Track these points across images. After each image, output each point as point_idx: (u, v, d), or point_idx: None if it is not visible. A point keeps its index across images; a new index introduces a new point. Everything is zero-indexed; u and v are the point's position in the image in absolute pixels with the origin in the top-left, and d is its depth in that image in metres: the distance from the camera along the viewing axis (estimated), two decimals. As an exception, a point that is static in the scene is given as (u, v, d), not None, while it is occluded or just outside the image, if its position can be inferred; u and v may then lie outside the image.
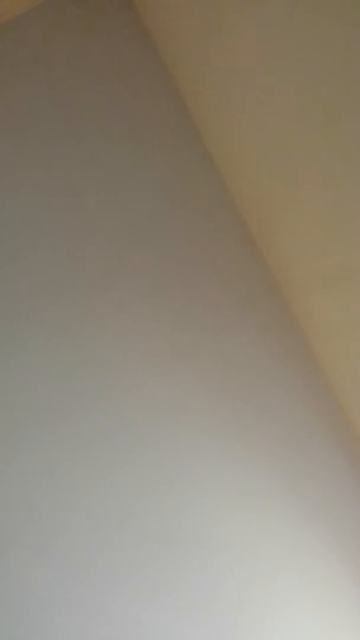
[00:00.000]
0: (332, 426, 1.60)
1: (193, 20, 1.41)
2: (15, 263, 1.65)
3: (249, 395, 1.60)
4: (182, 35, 1.49)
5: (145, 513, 1.58)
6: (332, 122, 1.08)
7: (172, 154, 1.66)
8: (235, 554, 1.58)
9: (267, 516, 1.58)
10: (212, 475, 1.59)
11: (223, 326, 1.61)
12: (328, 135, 1.11)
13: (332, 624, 1.57)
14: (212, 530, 1.58)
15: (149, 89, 1.68)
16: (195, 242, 1.64)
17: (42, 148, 1.67)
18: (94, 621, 1.58)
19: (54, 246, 1.65)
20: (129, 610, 1.58)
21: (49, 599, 1.58)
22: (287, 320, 1.60)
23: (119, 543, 1.58)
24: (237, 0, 1.20)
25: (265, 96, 1.22)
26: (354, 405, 1.52)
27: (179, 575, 1.58)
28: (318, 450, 1.59)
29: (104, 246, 1.65)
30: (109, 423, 1.60)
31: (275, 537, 1.58)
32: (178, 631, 1.57)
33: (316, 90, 1.08)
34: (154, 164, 1.66)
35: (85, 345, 1.61)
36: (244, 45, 1.23)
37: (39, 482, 1.59)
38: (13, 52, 1.70)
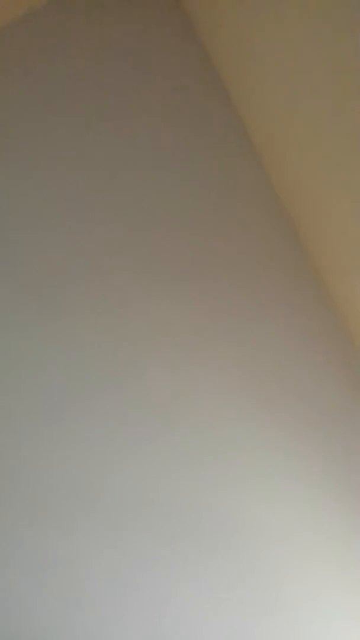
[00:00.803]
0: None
1: (234, 6, 1.40)
2: (66, 239, 1.67)
3: (287, 381, 1.60)
4: (223, 20, 1.48)
5: (175, 494, 1.61)
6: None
7: (213, 141, 1.66)
8: (268, 538, 1.59)
9: (304, 501, 1.59)
10: (246, 459, 1.60)
11: (262, 311, 1.61)
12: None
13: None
14: (245, 513, 1.60)
15: (191, 77, 1.68)
16: (235, 226, 1.64)
17: (90, 128, 1.68)
18: (123, 601, 1.61)
19: (100, 227, 1.66)
20: (158, 593, 1.61)
21: (79, 581, 1.62)
22: (327, 307, 1.60)
23: (148, 524, 1.61)
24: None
25: (314, 80, 1.21)
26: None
27: (209, 556, 1.60)
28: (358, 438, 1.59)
29: (147, 229, 1.65)
30: (142, 403, 1.63)
31: (312, 523, 1.59)
32: (208, 612, 1.59)
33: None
34: (194, 150, 1.66)
35: (126, 325, 1.63)
36: (289, 31, 1.22)
37: (74, 460, 1.63)
38: (59, 34, 1.70)
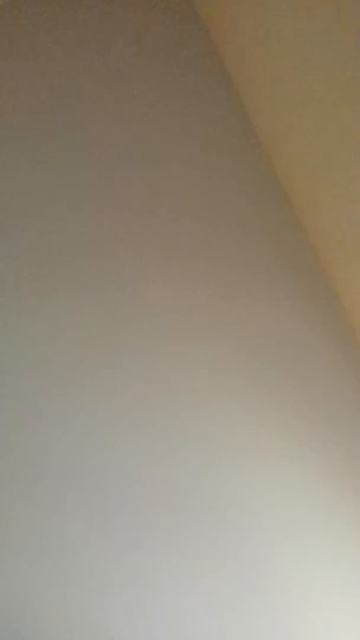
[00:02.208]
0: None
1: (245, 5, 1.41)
2: (61, 222, 1.67)
3: (287, 366, 1.62)
4: (233, 17, 1.49)
5: (173, 476, 1.62)
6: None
7: (213, 127, 1.64)
8: (265, 524, 1.63)
9: (304, 482, 1.62)
10: (245, 442, 1.62)
11: (262, 297, 1.62)
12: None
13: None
14: (242, 497, 1.62)
15: (194, 63, 1.67)
16: (235, 212, 1.64)
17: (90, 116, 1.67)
18: (136, 589, 1.63)
19: (100, 212, 1.66)
20: (154, 577, 1.63)
21: (93, 563, 1.63)
22: (324, 289, 1.62)
23: (145, 506, 1.63)
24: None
25: (317, 74, 1.23)
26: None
27: (206, 540, 1.63)
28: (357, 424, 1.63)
29: (146, 213, 1.66)
30: (140, 385, 1.63)
31: (311, 507, 1.62)
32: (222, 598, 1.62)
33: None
34: (197, 140, 1.66)
35: (124, 307, 1.64)
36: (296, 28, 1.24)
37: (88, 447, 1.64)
38: (68, 21, 1.69)
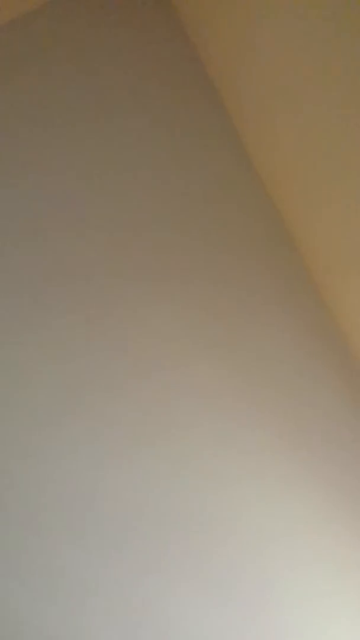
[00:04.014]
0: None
1: (228, 13, 1.43)
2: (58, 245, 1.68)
3: (284, 384, 1.62)
4: (218, 27, 1.51)
5: (172, 497, 1.62)
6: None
7: (205, 145, 1.68)
8: (264, 542, 1.61)
9: (301, 504, 1.61)
10: (243, 462, 1.62)
11: (258, 316, 1.63)
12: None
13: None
14: (241, 516, 1.61)
15: (185, 84, 1.70)
16: (228, 231, 1.66)
17: (84, 129, 1.69)
18: (124, 604, 1.62)
19: (96, 232, 1.67)
20: (155, 596, 1.61)
21: (80, 580, 1.62)
22: (318, 305, 1.63)
23: (145, 528, 1.62)
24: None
25: (307, 86, 1.24)
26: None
27: (205, 558, 1.61)
28: (352, 443, 1.62)
29: (142, 234, 1.67)
30: (139, 407, 1.63)
31: (308, 526, 1.61)
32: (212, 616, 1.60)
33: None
34: (188, 154, 1.68)
35: (122, 329, 1.64)
36: (281, 42, 1.25)
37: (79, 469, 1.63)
38: (50, 41, 1.72)
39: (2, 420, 1.63)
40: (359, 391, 1.62)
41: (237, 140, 1.67)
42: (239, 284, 1.64)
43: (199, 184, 1.67)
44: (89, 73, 1.70)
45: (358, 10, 1.01)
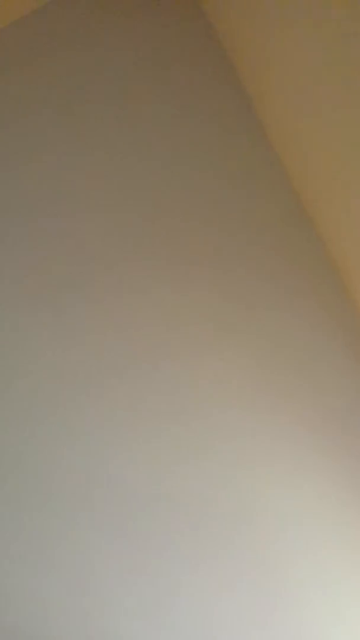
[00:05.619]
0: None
1: (255, 10, 1.41)
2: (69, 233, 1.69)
3: (299, 371, 1.61)
4: (243, 21, 1.50)
5: (183, 482, 1.62)
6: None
7: (226, 132, 1.66)
8: (277, 527, 1.61)
9: (309, 490, 1.61)
10: (257, 448, 1.62)
11: (276, 302, 1.62)
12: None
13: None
14: (253, 502, 1.61)
15: (210, 78, 1.68)
16: (249, 216, 1.64)
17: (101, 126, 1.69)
18: (142, 590, 1.62)
19: (109, 216, 1.68)
20: (166, 583, 1.62)
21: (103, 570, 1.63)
22: (339, 291, 1.61)
23: (155, 513, 1.63)
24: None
25: (329, 75, 1.23)
26: None
27: (216, 545, 1.62)
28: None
29: (159, 218, 1.66)
30: (152, 393, 1.64)
31: (321, 512, 1.61)
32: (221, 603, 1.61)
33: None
34: (211, 146, 1.66)
35: (137, 314, 1.64)
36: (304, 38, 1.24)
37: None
38: (66, 31, 1.72)
39: (12, 406, 1.64)
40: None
41: (260, 128, 1.65)
42: (257, 268, 1.63)
43: (218, 170, 1.66)
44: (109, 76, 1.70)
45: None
